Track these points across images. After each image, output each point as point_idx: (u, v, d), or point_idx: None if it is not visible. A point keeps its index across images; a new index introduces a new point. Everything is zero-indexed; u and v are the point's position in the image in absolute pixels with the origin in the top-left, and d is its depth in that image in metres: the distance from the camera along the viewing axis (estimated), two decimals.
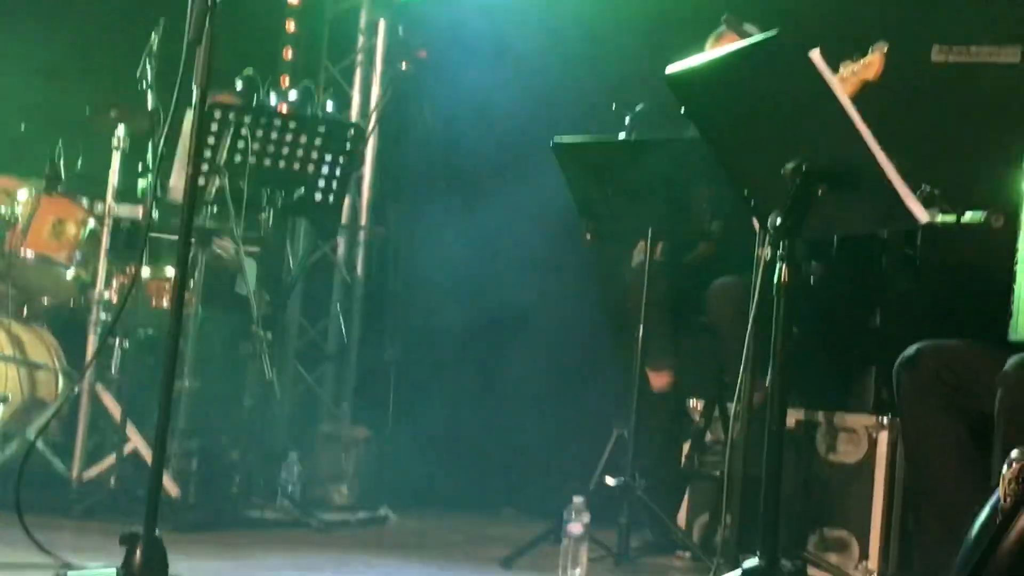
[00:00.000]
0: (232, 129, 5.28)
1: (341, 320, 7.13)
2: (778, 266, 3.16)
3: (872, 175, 3.04)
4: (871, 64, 4.28)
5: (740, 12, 4.48)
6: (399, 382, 6.96)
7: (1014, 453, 2.79)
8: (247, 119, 5.32)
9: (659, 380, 5.13)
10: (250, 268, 5.53)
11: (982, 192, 4.24)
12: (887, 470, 4.65)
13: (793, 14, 5.64)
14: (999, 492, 2.76)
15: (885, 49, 4.27)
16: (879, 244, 5.13)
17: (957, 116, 5.88)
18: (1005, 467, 2.78)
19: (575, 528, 4.10)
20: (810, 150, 3.16)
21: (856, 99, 4.32)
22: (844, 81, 4.26)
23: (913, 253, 5.19)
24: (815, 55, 3.03)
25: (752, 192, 3.37)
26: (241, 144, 5.29)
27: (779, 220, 3.16)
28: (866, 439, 4.72)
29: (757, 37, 3.29)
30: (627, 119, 4.95)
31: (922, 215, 3.04)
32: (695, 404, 5.16)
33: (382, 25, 7.25)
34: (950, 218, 3.57)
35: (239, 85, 5.90)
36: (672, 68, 3.39)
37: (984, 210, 3.50)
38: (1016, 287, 3.18)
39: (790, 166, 3.16)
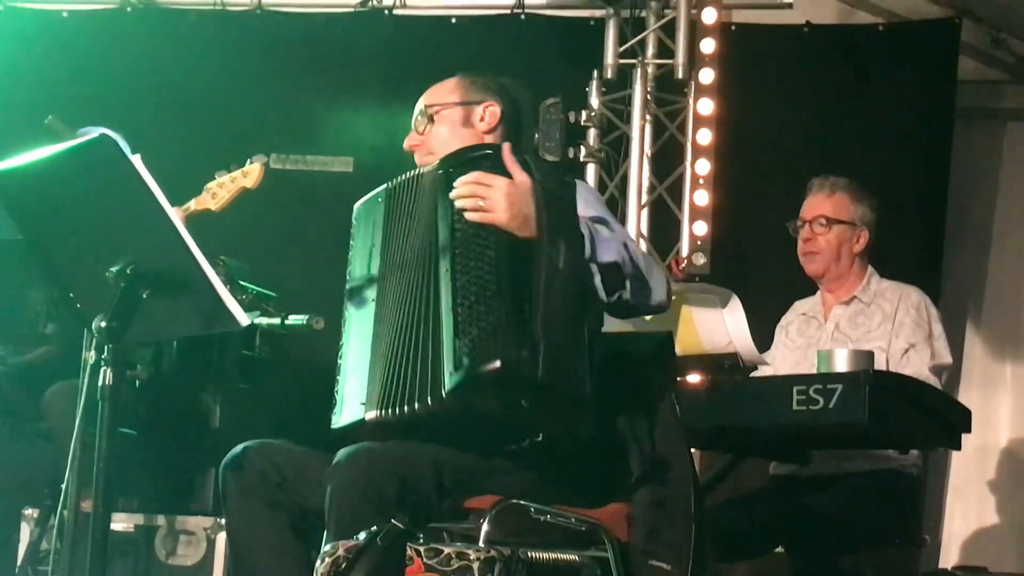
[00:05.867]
0: None
1: None
2: (102, 370, 3.14)
3: (195, 280, 3.10)
4: (250, 173, 4.44)
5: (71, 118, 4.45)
6: None
7: (326, 547, 2.91)
8: None
9: None
10: None
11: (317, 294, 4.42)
12: (224, 570, 4.71)
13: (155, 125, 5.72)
14: None
15: (265, 160, 4.48)
16: (219, 344, 5.21)
17: (299, 220, 6.21)
18: (319, 561, 2.90)
19: None
20: (136, 254, 3.16)
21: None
22: (222, 187, 4.41)
23: (252, 353, 5.31)
24: (136, 160, 3.07)
25: (78, 295, 3.33)
26: None
27: (103, 323, 3.14)
28: (205, 540, 4.75)
29: (81, 139, 3.28)
30: None
31: (243, 319, 3.14)
32: (31, 512, 4.98)
33: None
34: (275, 321, 3.68)
35: None
36: None
37: (308, 314, 3.64)
38: (340, 378, 3.35)
39: (115, 269, 3.16)
